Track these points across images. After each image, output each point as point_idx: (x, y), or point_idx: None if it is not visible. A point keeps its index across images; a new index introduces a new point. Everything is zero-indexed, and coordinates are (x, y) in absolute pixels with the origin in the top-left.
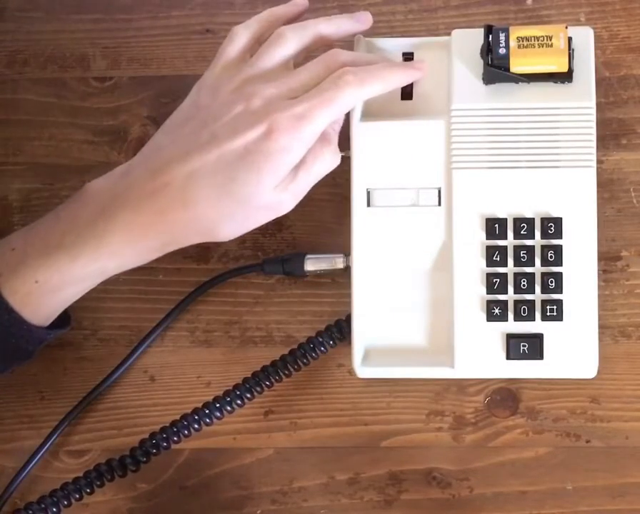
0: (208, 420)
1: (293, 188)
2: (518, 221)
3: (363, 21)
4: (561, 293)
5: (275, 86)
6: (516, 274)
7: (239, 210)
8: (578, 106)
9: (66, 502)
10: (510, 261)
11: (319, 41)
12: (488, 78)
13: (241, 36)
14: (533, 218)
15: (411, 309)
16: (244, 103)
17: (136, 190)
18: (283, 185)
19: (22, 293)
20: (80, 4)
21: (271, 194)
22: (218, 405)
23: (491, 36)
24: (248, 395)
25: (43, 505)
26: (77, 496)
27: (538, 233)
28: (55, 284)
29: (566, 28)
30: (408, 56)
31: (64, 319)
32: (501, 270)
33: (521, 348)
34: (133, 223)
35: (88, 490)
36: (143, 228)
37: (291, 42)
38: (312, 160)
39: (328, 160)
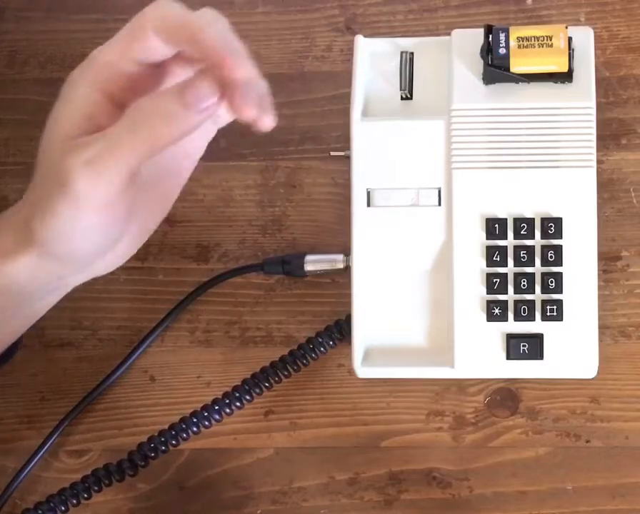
0: (207, 423)
1: None
2: (518, 221)
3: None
4: (561, 293)
5: None
6: (516, 274)
7: None
8: (578, 106)
9: (63, 508)
10: (510, 261)
11: None
12: (488, 78)
13: None
14: (533, 218)
15: (411, 309)
16: None
17: None
18: None
19: None
20: (80, 4)
21: None
22: (217, 407)
23: (491, 36)
24: (248, 397)
25: (40, 511)
26: (74, 501)
27: (538, 233)
28: None
29: (566, 28)
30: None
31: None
32: (501, 270)
33: (521, 348)
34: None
35: (85, 495)
36: None
37: None
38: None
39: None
